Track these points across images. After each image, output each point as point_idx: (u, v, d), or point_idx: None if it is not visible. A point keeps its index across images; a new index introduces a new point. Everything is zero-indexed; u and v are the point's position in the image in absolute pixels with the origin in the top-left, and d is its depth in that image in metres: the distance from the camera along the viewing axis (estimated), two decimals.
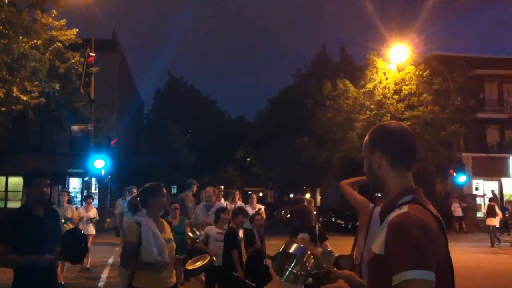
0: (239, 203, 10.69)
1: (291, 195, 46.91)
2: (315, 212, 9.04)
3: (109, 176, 23.45)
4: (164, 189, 4.63)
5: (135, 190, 9.90)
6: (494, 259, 16.23)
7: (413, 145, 2.00)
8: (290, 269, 2.94)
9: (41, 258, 4.09)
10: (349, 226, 23.76)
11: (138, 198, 4.60)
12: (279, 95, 46.66)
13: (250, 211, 9.96)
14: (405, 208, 1.81)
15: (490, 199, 22.05)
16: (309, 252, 2.86)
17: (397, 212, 1.82)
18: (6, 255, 3.94)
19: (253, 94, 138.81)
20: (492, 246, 19.36)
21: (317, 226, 7.01)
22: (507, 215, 21.19)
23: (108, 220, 23.90)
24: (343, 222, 25.43)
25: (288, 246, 2.97)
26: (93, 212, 12.06)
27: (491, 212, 19.78)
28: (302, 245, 2.97)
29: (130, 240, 4.31)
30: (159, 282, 4.34)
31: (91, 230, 11.84)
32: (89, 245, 9.51)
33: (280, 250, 2.98)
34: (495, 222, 19.64)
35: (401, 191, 1.92)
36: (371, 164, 2.01)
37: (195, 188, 10.83)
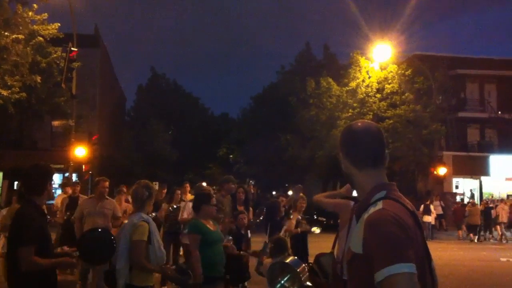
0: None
1: (274, 193, 46.96)
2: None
3: (90, 172, 23.24)
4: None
5: (105, 183, 7.86)
6: (475, 256, 16.45)
7: (374, 144, 1.98)
8: (283, 280, 2.93)
9: (67, 260, 3.80)
10: (331, 223, 23.89)
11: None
12: (263, 93, 46.64)
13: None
14: (379, 205, 1.82)
15: (426, 199, 23.60)
16: (303, 265, 2.87)
17: (372, 209, 1.83)
18: (31, 257, 3.49)
19: (237, 91, 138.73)
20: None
21: (269, 223, 7.03)
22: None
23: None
24: (324, 219, 25.55)
25: (284, 257, 2.99)
26: None
27: (426, 211, 21.70)
28: (296, 257, 3.00)
29: (143, 239, 4.17)
30: (152, 279, 4.43)
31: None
32: None
33: (277, 260, 2.99)
34: (430, 219, 21.58)
35: (373, 188, 1.92)
36: (341, 164, 2.04)
37: (230, 186, 8.15)
